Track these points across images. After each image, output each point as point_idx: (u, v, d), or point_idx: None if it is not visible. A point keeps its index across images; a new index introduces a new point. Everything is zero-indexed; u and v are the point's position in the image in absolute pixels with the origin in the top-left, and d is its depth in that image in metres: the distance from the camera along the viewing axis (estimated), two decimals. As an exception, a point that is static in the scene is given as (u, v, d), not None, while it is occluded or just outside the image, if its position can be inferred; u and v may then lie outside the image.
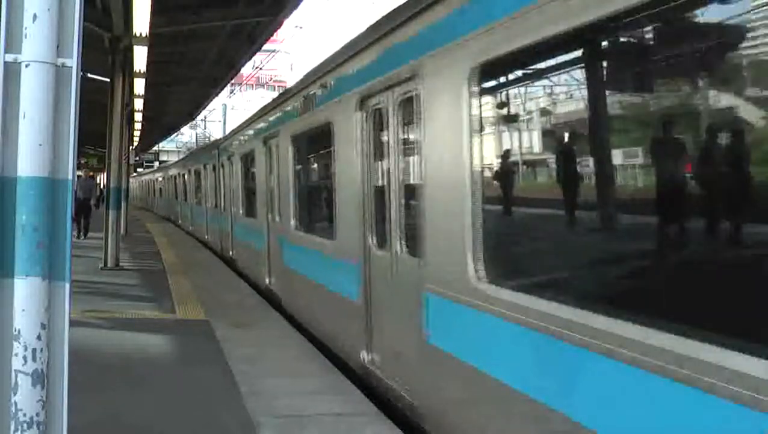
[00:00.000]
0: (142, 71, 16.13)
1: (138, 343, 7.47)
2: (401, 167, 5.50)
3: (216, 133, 58.42)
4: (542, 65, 3.82)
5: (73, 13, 2.74)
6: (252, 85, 71.38)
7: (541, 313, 3.45)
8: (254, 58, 26.10)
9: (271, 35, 17.14)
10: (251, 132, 12.45)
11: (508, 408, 3.83)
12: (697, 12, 2.80)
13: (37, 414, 2.66)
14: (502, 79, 4.27)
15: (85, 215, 19.84)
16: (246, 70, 34.45)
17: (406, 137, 5.45)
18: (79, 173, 23.30)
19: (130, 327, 8.25)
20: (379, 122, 5.97)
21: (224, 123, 61.77)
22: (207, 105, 33.53)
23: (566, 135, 3.76)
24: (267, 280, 10.89)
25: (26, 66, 2.65)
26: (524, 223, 4.18)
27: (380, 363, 5.93)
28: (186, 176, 25.53)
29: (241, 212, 13.59)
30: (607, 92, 3.36)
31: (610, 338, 2.96)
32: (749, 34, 2.57)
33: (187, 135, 68.98)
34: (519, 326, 3.64)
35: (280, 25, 15.62)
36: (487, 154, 4.23)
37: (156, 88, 22.29)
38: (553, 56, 3.65)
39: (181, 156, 52.18)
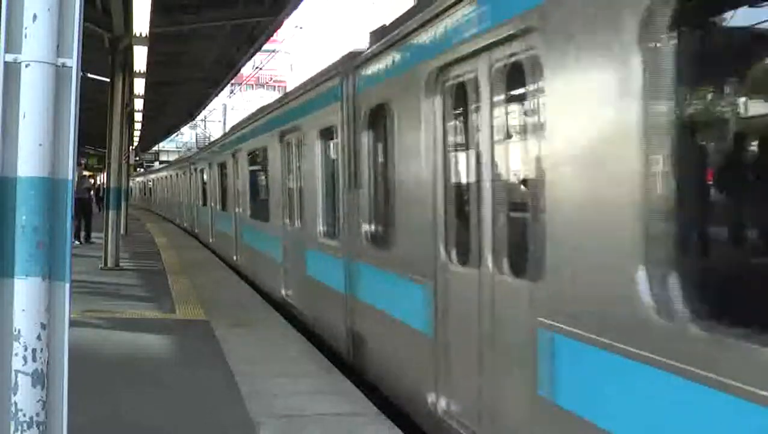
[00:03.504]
0: (142, 71, 16.12)
1: (138, 343, 7.47)
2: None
3: (216, 133, 58.34)
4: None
5: (73, 13, 2.73)
6: (252, 85, 71.31)
7: None
8: (254, 58, 26.08)
9: (271, 35, 17.15)
10: None
11: None
12: None
13: (37, 414, 2.66)
14: None
15: (85, 217, 18.28)
16: (246, 70, 34.37)
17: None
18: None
19: (130, 327, 8.24)
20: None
21: (224, 123, 61.72)
22: (207, 105, 33.55)
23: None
24: None
25: (26, 66, 2.65)
26: None
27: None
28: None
29: None
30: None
31: None
32: None
33: (187, 135, 68.98)
34: None
35: (280, 25, 15.63)
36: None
37: (156, 88, 22.28)
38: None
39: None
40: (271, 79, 76.52)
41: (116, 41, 14.11)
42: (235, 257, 14.66)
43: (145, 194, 52.65)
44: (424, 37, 4.97)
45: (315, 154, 8.12)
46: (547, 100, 3.51)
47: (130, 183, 54.39)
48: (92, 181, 20.46)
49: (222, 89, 26.98)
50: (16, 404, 2.64)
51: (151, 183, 48.42)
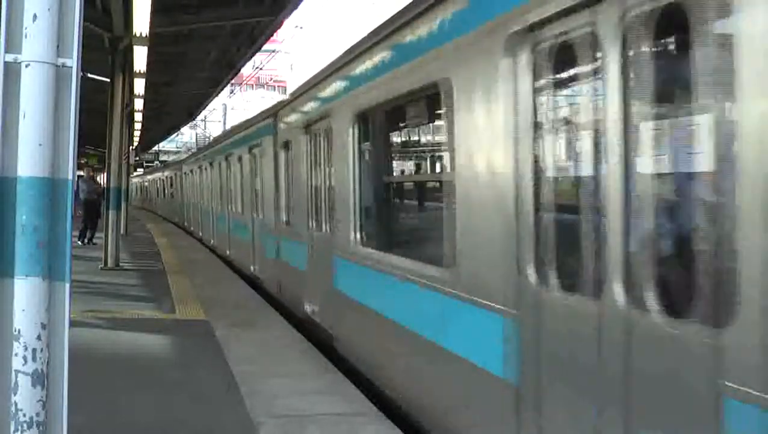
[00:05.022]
0: (142, 71, 16.12)
1: (138, 343, 7.47)
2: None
3: (216, 133, 58.27)
4: None
5: (73, 13, 2.73)
6: (252, 85, 71.27)
7: None
8: (254, 58, 26.07)
9: (271, 35, 17.14)
10: None
11: None
12: None
13: (37, 414, 2.66)
14: None
15: (92, 219, 18.05)
16: (246, 70, 34.33)
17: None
18: (81, 172, 23.28)
19: (130, 327, 8.25)
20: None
21: (224, 123, 61.72)
22: (207, 105, 33.53)
23: None
24: None
25: (26, 66, 2.65)
26: None
27: None
28: None
29: None
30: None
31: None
32: None
33: (187, 135, 68.96)
34: None
35: (280, 25, 15.62)
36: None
37: (156, 88, 22.28)
38: None
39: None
40: (271, 79, 76.48)
41: (116, 41, 14.11)
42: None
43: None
44: None
45: None
46: None
47: (143, 183, 53.20)
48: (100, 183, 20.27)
49: (222, 89, 26.95)
50: (16, 404, 2.64)
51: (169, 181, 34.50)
